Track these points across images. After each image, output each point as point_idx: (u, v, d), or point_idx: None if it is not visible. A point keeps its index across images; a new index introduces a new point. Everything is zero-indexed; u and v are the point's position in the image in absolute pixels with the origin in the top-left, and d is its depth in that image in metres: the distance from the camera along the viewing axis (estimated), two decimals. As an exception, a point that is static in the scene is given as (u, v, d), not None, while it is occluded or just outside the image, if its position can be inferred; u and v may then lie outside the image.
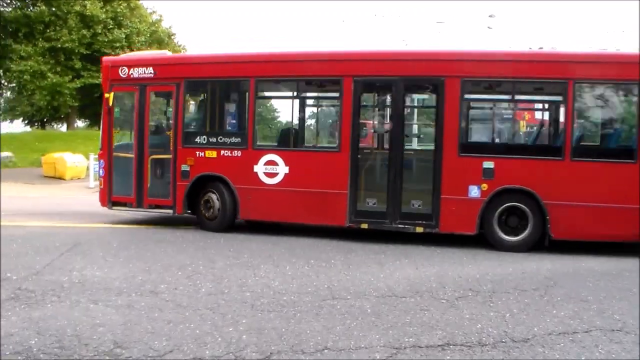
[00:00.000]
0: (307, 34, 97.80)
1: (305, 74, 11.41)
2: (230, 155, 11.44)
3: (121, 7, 40.48)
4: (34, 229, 11.55)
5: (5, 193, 20.03)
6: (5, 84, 43.86)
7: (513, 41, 38.11)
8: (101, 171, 12.70)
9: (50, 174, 27.17)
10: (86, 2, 38.45)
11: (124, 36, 40.26)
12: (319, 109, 11.80)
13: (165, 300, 6.46)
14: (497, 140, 11.23)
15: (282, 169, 11.10)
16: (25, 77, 37.95)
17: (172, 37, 48.44)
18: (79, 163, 26.77)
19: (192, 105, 12.45)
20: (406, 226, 10.51)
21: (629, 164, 9.64)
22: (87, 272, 7.76)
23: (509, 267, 8.43)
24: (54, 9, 38.80)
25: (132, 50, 40.70)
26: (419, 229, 10.43)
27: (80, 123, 54.31)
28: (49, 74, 38.20)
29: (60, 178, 26.38)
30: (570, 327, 5.70)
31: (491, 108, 11.35)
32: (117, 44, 39.91)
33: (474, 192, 10.11)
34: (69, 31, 38.41)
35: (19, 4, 40.20)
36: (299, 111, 11.76)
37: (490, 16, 34.55)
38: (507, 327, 5.66)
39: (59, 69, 39.05)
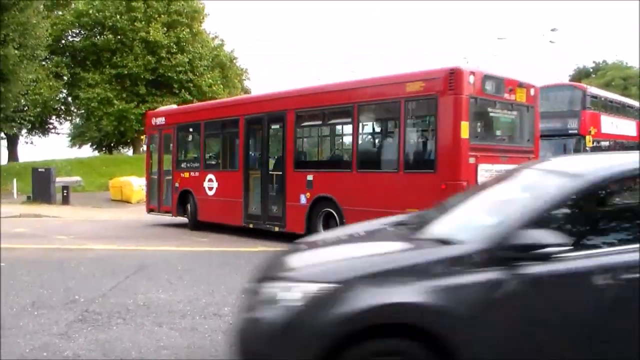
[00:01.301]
0: (370, 51, 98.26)
1: (224, 115, 15.58)
2: (194, 175, 16.14)
3: (184, 32, 41.30)
4: (102, 252, 11.80)
5: (74, 216, 20.63)
6: (75, 110, 45.32)
7: (576, 54, 37.43)
8: (145, 188, 18.97)
9: (118, 197, 27.85)
10: (150, 28, 39.44)
11: (187, 60, 41.07)
12: (234, 140, 15.22)
13: (228, 323, 6.41)
14: (314, 158, 14.22)
15: (215, 184, 15.33)
16: (93, 104, 39.23)
17: (234, 60, 49.15)
18: (145, 187, 27.34)
19: (180, 142, 17.18)
20: (270, 226, 13.65)
21: (394, 173, 11.10)
22: (151, 294, 7.81)
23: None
24: (119, 36, 39.98)
25: (194, 74, 41.59)
26: (277, 228, 13.44)
27: (146, 147, 55.46)
28: (115, 101, 39.32)
29: (127, 201, 26.99)
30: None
31: (311, 132, 14.28)
32: (181, 69, 40.76)
33: (303, 199, 12.76)
34: (134, 57, 39.47)
35: (87, 33, 41.58)
36: (224, 142, 15.86)
37: (552, 30, 34.00)
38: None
39: (124, 95, 40.14)
